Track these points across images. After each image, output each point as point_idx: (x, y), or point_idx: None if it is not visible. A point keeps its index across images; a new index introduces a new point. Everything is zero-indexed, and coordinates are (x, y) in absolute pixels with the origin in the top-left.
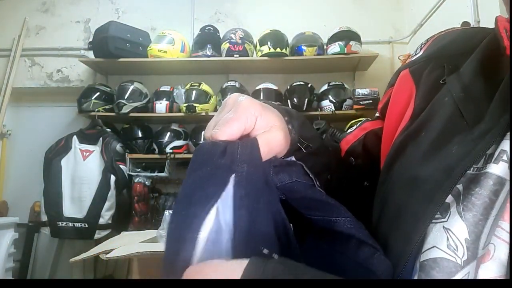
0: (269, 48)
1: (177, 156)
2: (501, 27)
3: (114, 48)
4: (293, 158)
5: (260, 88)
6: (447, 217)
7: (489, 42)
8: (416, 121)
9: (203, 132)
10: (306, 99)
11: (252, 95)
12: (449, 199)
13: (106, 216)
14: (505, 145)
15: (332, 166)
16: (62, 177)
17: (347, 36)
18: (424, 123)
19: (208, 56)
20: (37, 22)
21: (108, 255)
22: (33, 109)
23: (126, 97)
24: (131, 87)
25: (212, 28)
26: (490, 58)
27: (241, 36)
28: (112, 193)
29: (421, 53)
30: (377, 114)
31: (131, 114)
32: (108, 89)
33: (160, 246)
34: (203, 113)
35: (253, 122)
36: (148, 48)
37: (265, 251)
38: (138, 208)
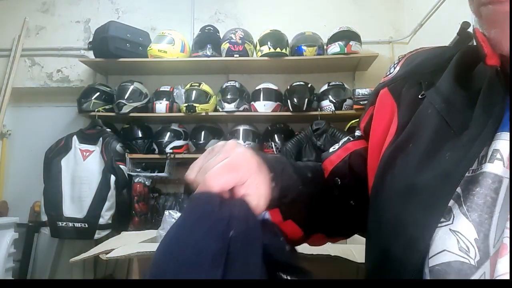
0: (269, 48)
1: (177, 156)
2: (480, 38)
3: (114, 48)
4: (268, 214)
5: (260, 88)
6: (451, 219)
7: (460, 59)
8: (402, 134)
9: (199, 171)
10: (306, 99)
11: (252, 95)
12: (450, 202)
13: (106, 216)
14: (497, 144)
15: (315, 194)
16: (62, 177)
17: (347, 36)
18: (411, 135)
19: (208, 56)
20: (37, 22)
21: (108, 255)
22: (33, 109)
23: (126, 97)
24: (131, 87)
25: (212, 28)
26: (464, 72)
27: (241, 36)
28: (112, 193)
29: (395, 71)
30: (357, 134)
31: (131, 114)
32: (108, 89)
33: None
34: (203, 113)
35: (247, 179)
36: (148, 48)
37: None
38: (138, 208)
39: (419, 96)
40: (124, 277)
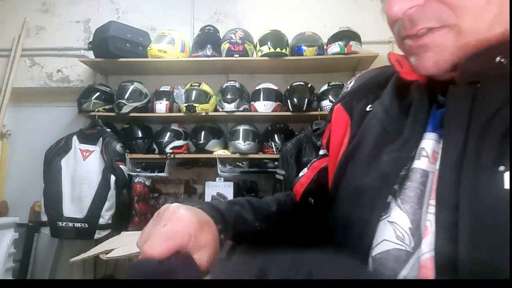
0: (269, 48)
1: (177, 156)
2: (392, 59)
3: (114, 48)
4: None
5: (260, 88)
6: (389, 213)
7: (399, 75)
8: (351, 143)
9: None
10: (306, 99)
11: (252, 95)
12: (389, 198)
13: (106, 216)
14: (423, 144)
15: (284, 223)
16: (62, 177)
17: (347, 36)
18: (357, 144)
19: (208, 56)
20: (37, 22)
21: (108, 255)
22: (33, 109)
23: (126, 97)
24: (131, 87)
25: (212, 28)
26: (400, 86)
27: (241, 36)
28: (112, 193)
29: (348, 89)
30: (321, 153)
31: (131, 114)
32: (108, 89)
33: None
34: (203, 113)
35: (188, 241)
36: (148, 48)
37: None
38: (138, 208)
39: (367, 109)
40: (124, 277)
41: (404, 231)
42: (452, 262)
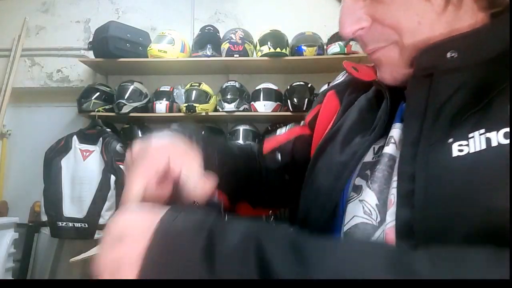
0: (269, 48)
1: None
2: (348, 67)
3: (114, 48)
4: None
5: (260, 88)
6: (361, 193)
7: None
8: (334, 127)
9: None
10: (306, 99)
11: (252, 95)
12: (360, 181)
13: (106, 216)
14: (392, 132)
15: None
16: (62, 177)
17: None
18: (338, 128)
19: (208, 56)
20: (37, 22)
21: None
22: (33, 109)
23: (126, 97)
24: (131, 87)
25: (212, 28)
26: (378, 90)
27: (241, 36)
28: (112, 193)
29: (343, 78)
30: (302, 123)
31: (131, 114)
32: (108, 89)
33: None
34: (203, 113)
35: (167, 162)
36: (148, 48)
37: None
38: None
39: (355, 102)
40: None
41: (371, 207)
42: (409, 225)
